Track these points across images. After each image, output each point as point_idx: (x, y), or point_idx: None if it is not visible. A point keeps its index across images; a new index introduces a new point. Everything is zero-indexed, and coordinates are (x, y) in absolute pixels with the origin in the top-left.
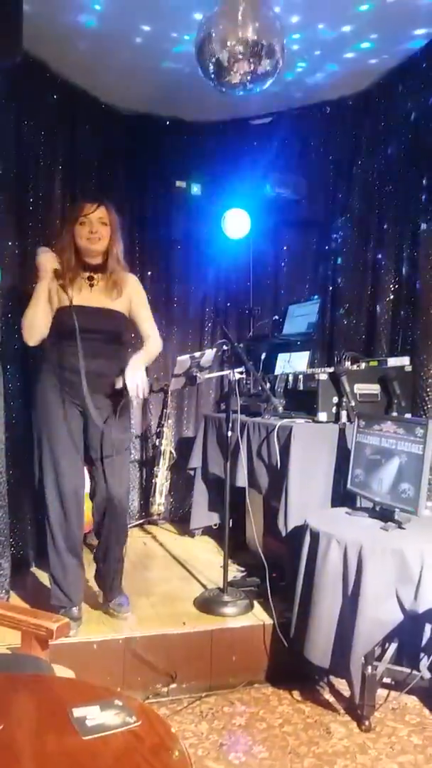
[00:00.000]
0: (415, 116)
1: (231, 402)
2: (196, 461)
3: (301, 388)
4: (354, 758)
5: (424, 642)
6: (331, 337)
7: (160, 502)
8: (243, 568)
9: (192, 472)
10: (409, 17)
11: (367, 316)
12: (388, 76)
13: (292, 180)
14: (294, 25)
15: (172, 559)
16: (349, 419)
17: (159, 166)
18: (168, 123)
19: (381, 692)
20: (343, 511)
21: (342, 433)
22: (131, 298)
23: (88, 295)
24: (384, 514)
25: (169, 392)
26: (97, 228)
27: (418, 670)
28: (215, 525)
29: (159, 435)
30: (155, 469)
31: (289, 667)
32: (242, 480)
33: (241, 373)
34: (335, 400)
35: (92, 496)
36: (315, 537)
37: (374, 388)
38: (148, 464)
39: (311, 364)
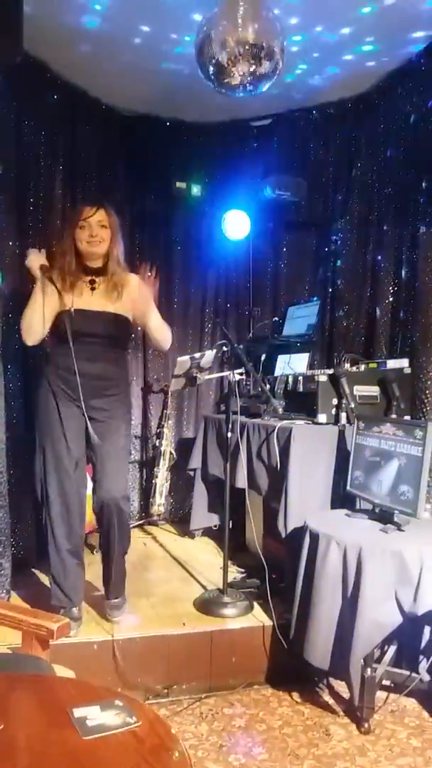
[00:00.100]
0: (415, 119)
1: (231, 403)
2: (196, 462)
3: (301, 389)
4: (353, 760)
5: (423, 644)
6: (331, 339)
7: (160, 502)
8: (243, 570)
9: (192, 473)
10: (408, 20)
11: (366, 318)
12: (388, 79)
13: (292, 182)
14: (294, 26)
15: (172, 560)
16: (348, 421)
17: (159, 167)
18: (168, 124)
19: (380, 694)
20: (342, 513)
21: (341, 434)
22: (133, 297)
23: (89, 299)
24: (383, 516)
25: (169, 393)
26: (97, 231)
27: (418, 673)
28: (215, 526)
29: (159, 436)
30: (155, 469)
31: (289, 669)
32: (242, 481)
33: (241, 374)
34: (335, 401)
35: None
36: (314, 538)
37: (373, 390)
38: (148, 465)
39: (311, 366)
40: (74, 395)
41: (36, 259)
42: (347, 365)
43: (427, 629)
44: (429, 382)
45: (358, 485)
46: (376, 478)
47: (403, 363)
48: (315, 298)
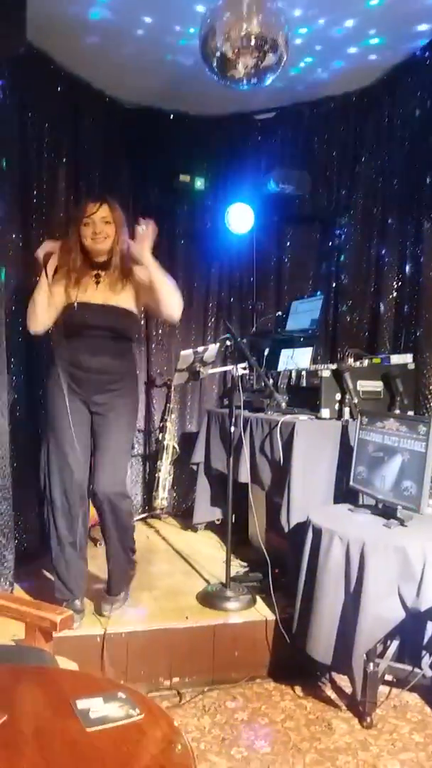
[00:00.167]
0: (420, 113)
1: (234, 397)
2: (199, 456)
3: (304, 384)
4: (355, 754)
5: (425, 640)
6: (334, 334)
7: (163, 496)
8: (245, 564)
9: (195, 467)
10: (414, 13)
11: (370, 313)
12: (393, 72)
13: (296, 175)
14: (298, 19)
15: (174, 553)
16: (351, 416)
17: (162, 160)
18: (172, 117)
19: (383, 689)
20: (345, 508)
21: (345, 430)
22: (136, 283)
23: (93, 293)
24: (386, 512)
25: (172, 387)
26: (101, 228)
27: (420, 668)
28: (218, 520)
29: (162, 430)
30: (158, 463)
31: (292, 663)
32: (245, 475)
33: (245, 368)
34: (338, 396)
35: None
36: (317, 533)
37: (377, 386)
38: (151, 459)
39: (314, 361)
40: (79, 389)
41: (41, 249)
42: (351, 360)
43: (429, 624)
44: None
45: (361, 480)
46: (379, 474)
47: (407, 358)
48: (318, 293)
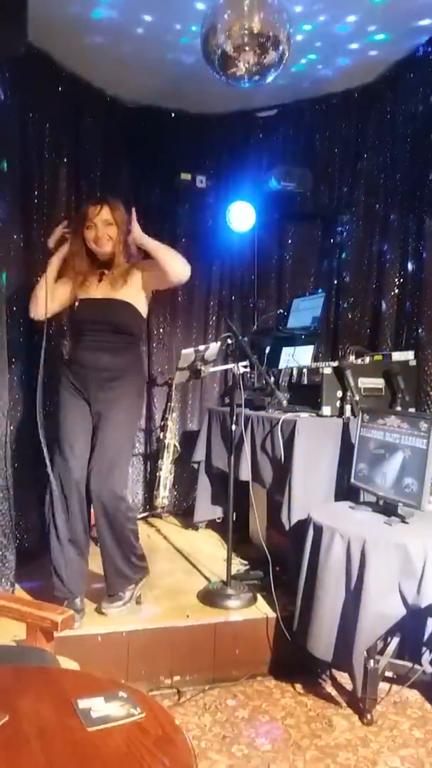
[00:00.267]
0: (422, 109)
1: (235, 396)
2: (200, 455)
3: (306, 382)
4: (356, 751)
5: (426, 636)
6: (336, 331)
7: (164, 495)
8: (246, 562)
9: (196, 466)
10: (416, 9)
11: (371, 310)
12: (395, 68)
13: (298, 173)
14: (299, 16)
15: (175, 552)
16: (353, 413)
17: (164, 159)
18: (173, 115)
19: (383, 686)
20: (346, 505)
21: (346, 427)
22: (139, 276)
23: (95, 289)
24: (387, 509)
25: (173, 385)
26: (103, 232)
27: (420, 665)
28: (219, 518)
29: (163, 428)
30: (159, 462)
31: (292, 660)
32: (246, 474)
33: (246, 366)
34: (339, 394)
35: None
36: (318, 531)
37: (378, 383)
38: (152, 457)
39: (315, 358)
40: (80, 387)
41: (56, 236)
42: (352, 357)
43: (430, 621)
44: None
45: (363, 478)
46: (380, 471)
47: (409, 355)
48: (320, 290)
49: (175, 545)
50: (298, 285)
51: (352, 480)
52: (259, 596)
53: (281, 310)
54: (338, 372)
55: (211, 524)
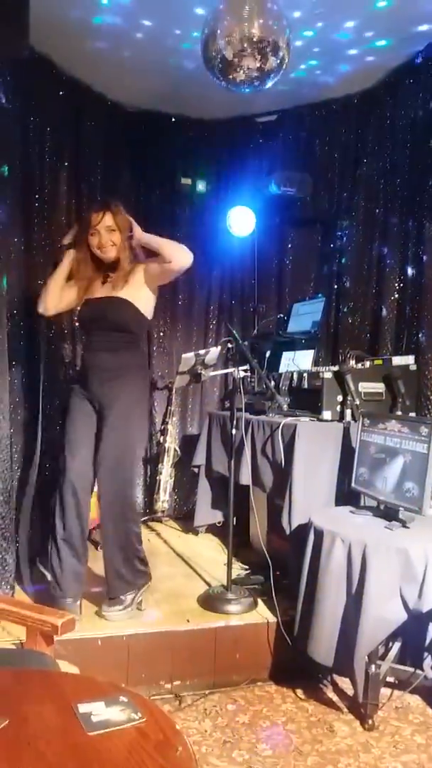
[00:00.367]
0: (422, 114)
1: (235, 400)
2: (200, 459)
3: (306, 386)
4: (357, 757)
5: (427, 641)
6: (336, 336)
7: (164, 499)
8: (247, 566)
9: (196, 470)
10: (415, 16)
11: (371, 315)
12: (395, 74)
13: (298, 178)
14: (299, 22)
15: (176, 556)
16: (353, 418)
17: (164, 163)
18: (173, 120)
19: (384, 691)
20: (347, 510)
21: (346, 431)
22: (141, 273)
23: (98, 290)
24: (388, 513)
25: (174, 390)
26: (107, 238)
27: (422, 670)
28: (219, 523)
29: (163, 432)
30: (159, 466)
31: (293, 666)
32: (246, 478)
33: (246, 371)
34: (340, 398)
35: None
36: (319, 535)
37: (379, 387)
38: (152, 461)
39: (316, 363)
40: (84, 387)
41: (69, 237)
42: (352, 362)
43: (431, 626)
44: None
45: (363, 482)
46: (381, 475)
47: (409, 360)
48: (320, 295)
49: (176, 549)
50: (298, 289)
51: (353, 484)
52: (259, 601)
53: (281, 315)
54: (338, 376)
55: (212, 528)
